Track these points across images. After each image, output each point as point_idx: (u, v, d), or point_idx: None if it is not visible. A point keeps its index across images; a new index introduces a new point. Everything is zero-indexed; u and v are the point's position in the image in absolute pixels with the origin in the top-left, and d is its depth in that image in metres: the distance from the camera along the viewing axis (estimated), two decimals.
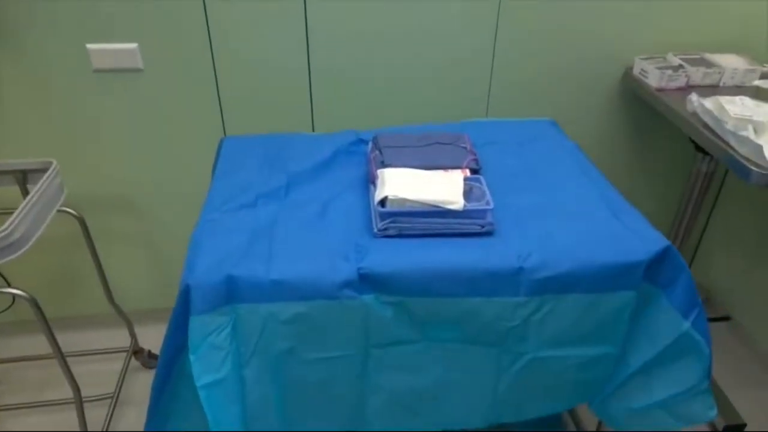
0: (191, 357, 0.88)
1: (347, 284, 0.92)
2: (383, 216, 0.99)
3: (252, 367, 0.94)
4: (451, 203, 0.99)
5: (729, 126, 1.22)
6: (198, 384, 0.88)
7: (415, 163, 1.11)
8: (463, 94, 1.66)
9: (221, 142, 1.34)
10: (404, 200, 0.99)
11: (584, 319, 1.00)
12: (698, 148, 1.59)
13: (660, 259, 0.98)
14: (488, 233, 1.01)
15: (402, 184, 1.02)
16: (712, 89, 1.55)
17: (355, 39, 1.53)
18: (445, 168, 1.11)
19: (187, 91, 1.54)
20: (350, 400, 1.02)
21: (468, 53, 1.60)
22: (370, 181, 1.13)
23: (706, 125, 1.33)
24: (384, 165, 1.11)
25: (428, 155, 1.14)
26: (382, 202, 1.00)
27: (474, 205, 1.00)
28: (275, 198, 1.11)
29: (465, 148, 1.18)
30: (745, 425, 1.59)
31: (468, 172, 1.10)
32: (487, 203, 1.00)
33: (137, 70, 1.50)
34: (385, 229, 0.99)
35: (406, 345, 0.99)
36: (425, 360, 1.01)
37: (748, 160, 1.19)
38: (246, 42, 1.49)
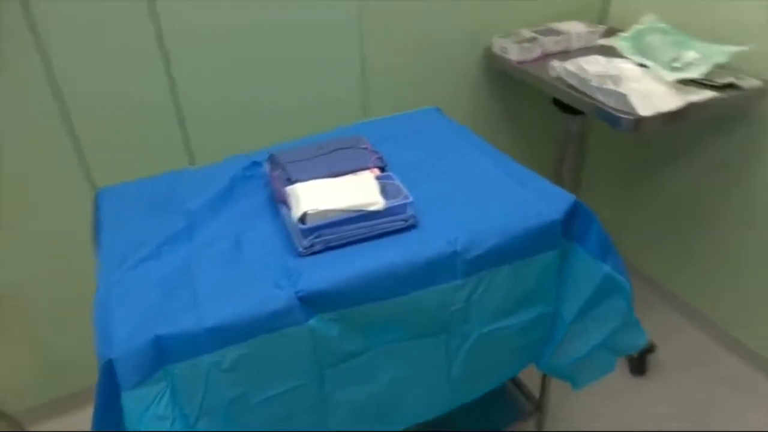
0: None
1: (287, 312, 0.86)
2: (306, 233, 0.95)
3: (202, 425, 0.85)
4: (372, 204, 0.97)
5: (594, 83, 1.33)
6: None
7: (322, 173, 1.07)
8: (338, 99, 1.64)
9: (97, 195, 1.20)
10: (325, 212, 0.96)
11: (517, 286, 1.03)
12: (565, 110, 1.72)
13: (571, 214, 1.04)
14: (412, 226, 1.00)
15: (317, 196, 0.99)
16: (564, 54, 1.68)
17: (219, 61, 1.46)
18: (353, 172, 1.09)
19: (32, 136, 1.36)
20: (312, 425, 0.96)
21: (336, 59, 1.59)
22: (278, 201, 1.08)
23: (571, 86, 1.44)
24: (291, 181, 1.06)
25: (332, 162, 1.11)
26: (302, 218, 0.95)
27: (393, 202, 0.99)
28: (179, 242, 1.02)
29: (366, 149, 1.17)
30: (655, 346, 1.75)
31: (377, 171, 1.09)
32: (406, 197, 1.00)
33: None
34: (311, 245, 0.95)
35: (356, 357, 0.96)
36: (376, 366, 0.99)
37: (615, 109, 1.30)
38: (95, 73, 1.35)
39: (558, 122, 1.74)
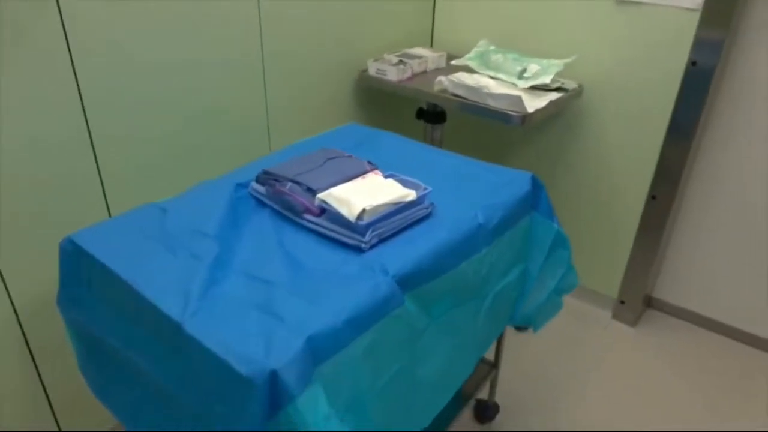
0: None
1: (392, 296, 0.93)
2: (365, 228, 1.01)
3: (349, 420, 0.85)
4: (406, 196, 1.09)
5: (485, 90, 1.65)
6: None
7: (338, 180, 1.13)
8: (244, 129, 1.66)
9: (68, 242, 1.03)
10: (376, 207, 1.03)
11: (511, 249, 1.26)
12: (429, 120, 2.04)
13: (532, 185, 1.30)
14: (431, 213, 1.14)
15: (359, 196, 1.05)
16: (424, 74, 1.98)
17: (136, 100, 1.36)
18: (359, 176, 1.17)
19: None
20: (410, 406, 1.02)
21: (241, 86, 1.61)
22: (299, 211, 1.10)
23: (457, 95, 1.74)
24: (312, 191, 1.10)
25: (336, 170, 1.18)
26: (359, 216, 1.02)
27: (420, 193, 1.12)
28: (226, 266, 0.98)
29: (350, 157, 1.26)
30: None
31: (379, 173, 1.20)
32: (425, 188, 1.13)
33: None
34: (370, 240, 1.02)
35: (422, 334, 1.05)
36: (435, 340, 1.09)
37: (506, 110, 1.63)
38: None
39: (419, 132, 2.04)
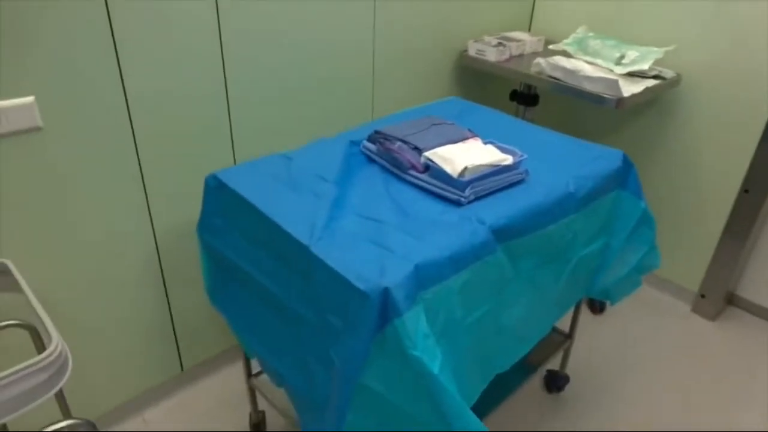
0: (414, 353, 0.89)
1: (487, 243, 1.05)
2: (466, 184, 1.14)
3: (442, 345, 0.98)
4: (504, 160, 1.20)
5: (582, 73, 1.72)
6: (436, 373, 0.90)
7: (443, 141, 1.26)
8: (351, 94, 1.82)
9: (213, 178, 1.23)
10: (477, 167, 1.15)
11: (597, 220, 1.34)
12: (522, 102, 2.11)
13: (623, 162, 1.37)
14: (525, 179, 1.25)
15: (461, 156, 1.18)
16: (521, 57, 2.06)
17: (269, 65, 1.55)
18: (461, 140, 1.29)
19: (97, 148, 1.33)
20: (493, 349, 1.15)
21: (353, 61, 1.76)
22: (406, 168, 1.24)
23: (553, 77, 1.81)
24: (420, 150, 1.23)
25: (440, 134, 1.30)
26: (461, 173, 1.14)
27: (516, 159, 1.22)
28: (343, 207, 1.13)
29: (453, 124, 1.38)
30: None
31: (479, 139, 1.31)
32: (521, 155, 1.24)
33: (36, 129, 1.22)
34: (469, 195, 1.14)
35: (509, 284, 1.16)
36: (519, 292, 1.20)
37: (602, 92, 1.69)
38: (160, 78, 1.36)
39: (512, 114, 2.11)
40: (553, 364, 1.78)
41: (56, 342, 0.84)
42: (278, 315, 1.16)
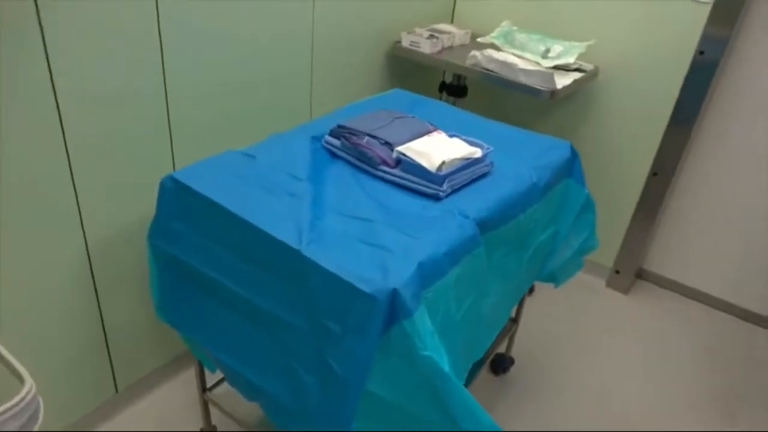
0: (426, 353, 0.88)
1: (474, 236, 1.06)
2: (443, 179, 1.14)
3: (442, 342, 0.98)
4: (474, 153, 1.21)
5: (518, 66, 1.78)
6: (448, 371, 0.89)
7: (409, 136, 1.25)
8: (290, 89, 1.75)
9: (169, 180, 1.12)
10: (453, 161, 1.16)
11: (550, 208, 1.40)
12: (452, 93, 2.16)
13: (570, 152, 1.45)
14: (491, 171, 1.27)
15: (435, 151, 1.17)
16: (450, 49, 2.10)
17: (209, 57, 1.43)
18: (426, 134, 1.29)
19: (24, 148, 1.15)
20: (476, 336, 1.16)
21: (293, 55, 1.69)
22: (376, 164, 1.21)
23: (487, 69, 1.86)
24: (390, 144, 1.21)
25: (405, 128, 1.29)
26: (439, 167, 1.14)
27: (484, 151, 1.24)
28: (322, 206, 1.08)
29: (414, 117, 1.37)
30: None
31: (443, 132, 1.31)
32: (488, 148, 1.26)
33: None
34: (446, 189, 1.14)
35: (487, 274, 1.18)
36: (489, 281, 1.22)
37: (536, 85, 1.77)
38: (94, 75, 1.22)
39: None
40: (500, 347, 1.85)
41: (30, 383, 0.71)
42: (254, 323, 1.09)
